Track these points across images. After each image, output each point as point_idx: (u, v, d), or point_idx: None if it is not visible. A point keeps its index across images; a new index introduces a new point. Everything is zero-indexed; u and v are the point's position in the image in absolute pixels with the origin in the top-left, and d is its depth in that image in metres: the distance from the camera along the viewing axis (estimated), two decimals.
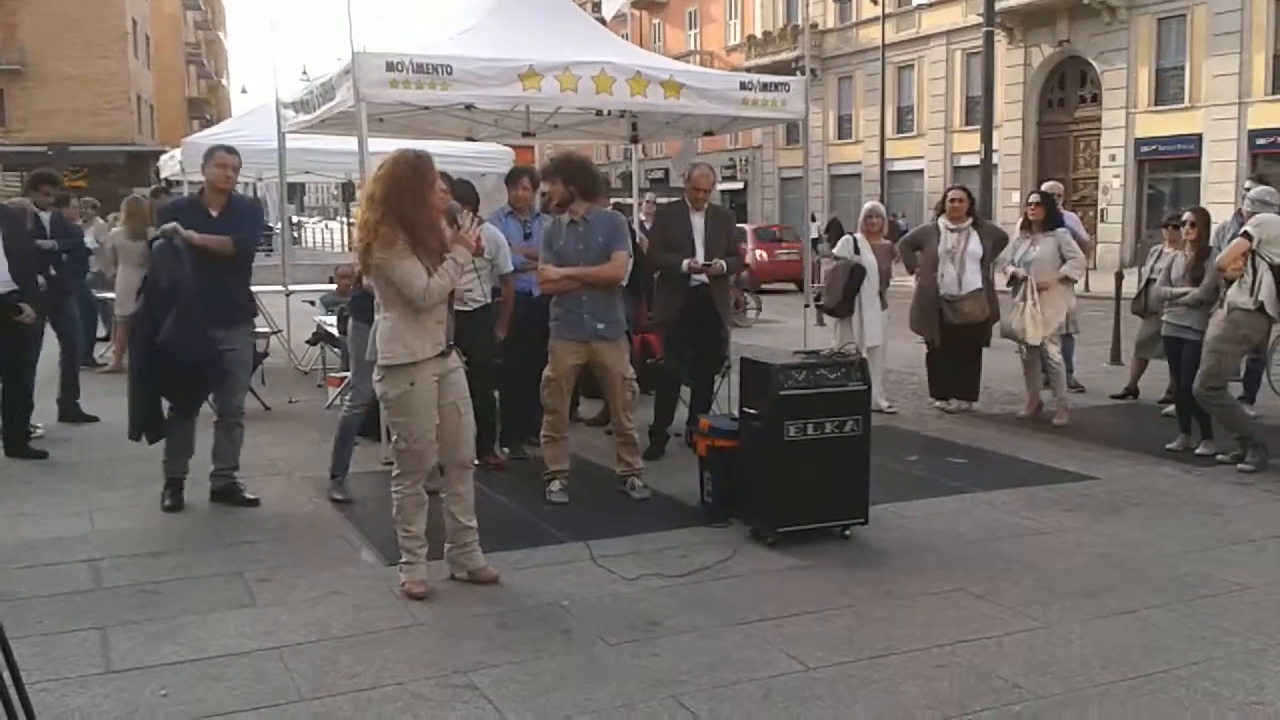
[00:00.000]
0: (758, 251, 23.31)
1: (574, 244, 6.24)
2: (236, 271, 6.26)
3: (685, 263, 7.25)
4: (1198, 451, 7.43)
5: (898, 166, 36.09)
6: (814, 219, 41.93)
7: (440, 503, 4.99)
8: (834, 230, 41.23)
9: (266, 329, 10.32)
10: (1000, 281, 9.02)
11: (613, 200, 8.23)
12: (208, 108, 63.01)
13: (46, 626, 4.45)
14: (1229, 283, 6.95)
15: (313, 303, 11.25)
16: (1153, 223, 21.90)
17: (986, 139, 19.60)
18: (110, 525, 5.94)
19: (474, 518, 4.99)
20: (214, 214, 6.11)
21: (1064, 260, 8.58)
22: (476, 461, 5.10)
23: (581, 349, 6.32)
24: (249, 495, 6.33)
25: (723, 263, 7.32)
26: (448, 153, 11.79)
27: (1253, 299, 6.80)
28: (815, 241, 40.36)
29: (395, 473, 4.88)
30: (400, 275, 4.55)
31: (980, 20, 21.52)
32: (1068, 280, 8.59)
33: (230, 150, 6.32)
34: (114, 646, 4.26)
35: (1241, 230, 6.90)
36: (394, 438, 4.87)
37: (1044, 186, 10.77)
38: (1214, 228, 7.86)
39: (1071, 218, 10.61)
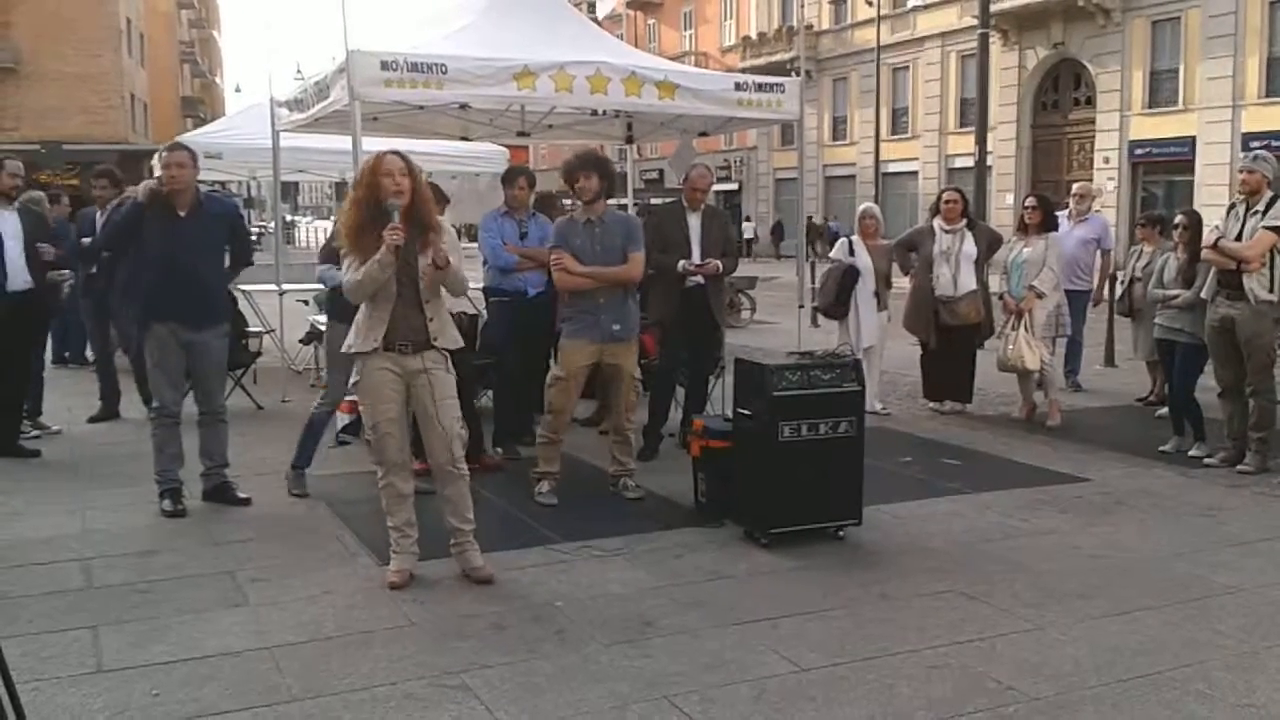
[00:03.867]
0: None
1: (591, 244, 6.22)
2: (211, 269, 6.21)
3: (682, 263, 7.24)
4: (1191, 454, 7.43)
5: (892, 168, 36.16)
6: (748, 219, 42.02)
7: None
8: (777, 233, 41.27)
9: (259, 328, 10.30)
10: (995, 284, 9.02)
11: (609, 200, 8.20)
12: (202, 106, 62.85)
13: (37, 625, 4.43)
14: (1227, 276, 6.89)
15: (306, 302, 11.21)
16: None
17: (981, 141, 19.63)
18: (102, 524, 5.92)
19: (467, 519, 5.02)
20: (181, 214, 6.00)
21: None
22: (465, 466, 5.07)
23: (595, 350, 6.30)
24: (241, 494, 6.32)
25: (719, 263, 7.32)
26: (442, 152, 11.82)
27: (1276, 292, 6.78)
28: (750, 242, 40.47)
29: (374, 461, 5.04)
30: (345, 268, 4.85)
31: (975, 22, 21.55)
32: (1034, 290, 8.55)
33: (174, 147, 6.18)
34: (105, 646, 4.24)
35: (1273, 225, 6.68)
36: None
37: (1075, 187, 10.75)
38: (1205, 230, 7.83)
39: (1100, 220, 10.60)
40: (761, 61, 39.29)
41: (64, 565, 5.23)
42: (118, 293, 8.23)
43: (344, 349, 4.97)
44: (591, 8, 45.91)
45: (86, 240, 8.55)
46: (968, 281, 8.76)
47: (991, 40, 22.06)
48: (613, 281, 6.23)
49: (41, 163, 38.68)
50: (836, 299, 8.86)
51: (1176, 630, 4.43)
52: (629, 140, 10.86)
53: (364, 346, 4.83)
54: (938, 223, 8.96)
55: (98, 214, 8.96)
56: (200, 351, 6.17)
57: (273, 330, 10.45)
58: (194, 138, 14.07)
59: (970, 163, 22.07)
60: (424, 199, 4.85)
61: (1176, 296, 7.47)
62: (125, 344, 8.75)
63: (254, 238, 8.87)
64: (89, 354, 11.64)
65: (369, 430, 4.94)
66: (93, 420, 8.77)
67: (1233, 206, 7.06)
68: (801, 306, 9.15)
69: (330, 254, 6.26)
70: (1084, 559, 5.36)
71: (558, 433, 6.44)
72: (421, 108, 8.41)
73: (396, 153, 4.84)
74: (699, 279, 7.33)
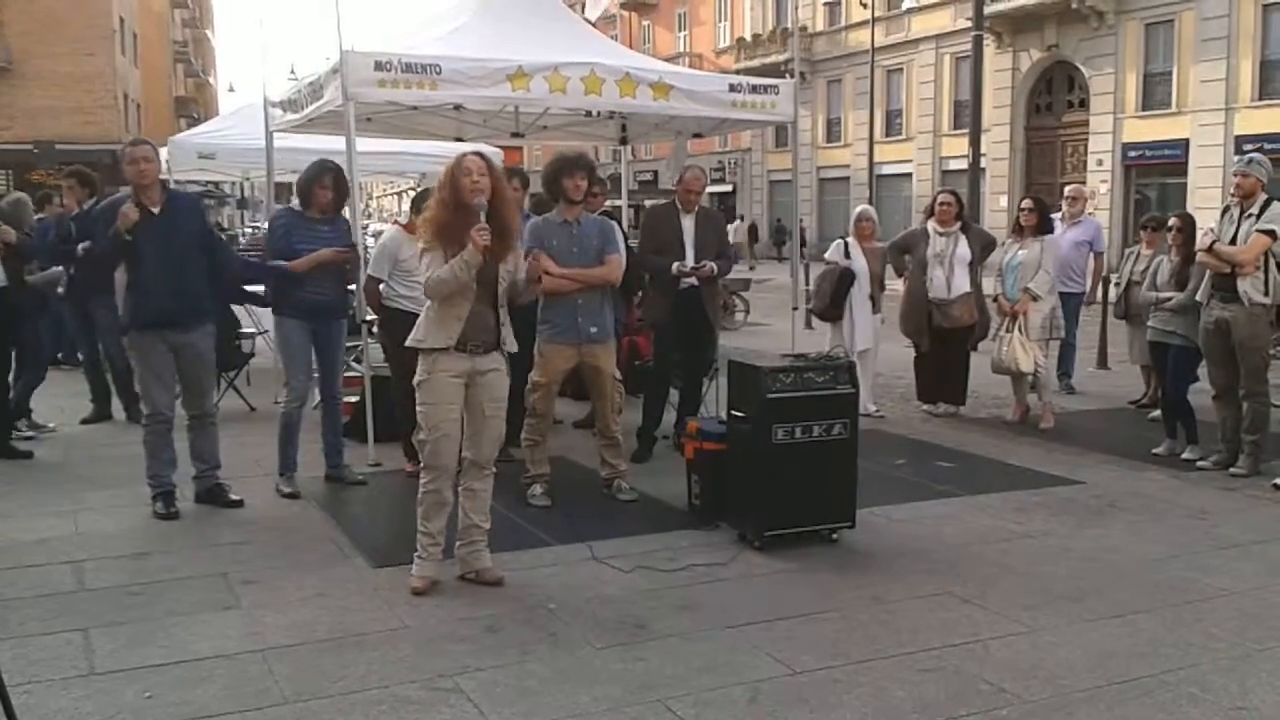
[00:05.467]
0: None
1: (568, 245, 6.23)
2: (193, 265, 6.10)
3: (675, 266, 7.24)
4: (1184, 456, 7.45)
5: (886, 170, 36.17)
6: (730, 223, 41.89)
7: (458, 496, 5.02)
8: (751, 234, 41.27)
9: (252, 329, 10.29)
10: (988, 287, 9.04)
11: (607, 202, 8.19)
12: (195, 106, 62.72)
13: (29, 628, 4.42)
14: (1222, 279, 6.90)
15: None
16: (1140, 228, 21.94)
17: (975, 143, 19.64)
18: (94, 526, 5.90)
19: (487, 518, 5.02)
20: (155, 211, 5.94)
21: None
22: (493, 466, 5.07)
23: (574, 352, 6.31)
24: (233, 496, 6.30)
25: (713, 265, 7.32)
26: (436, 153, 11.80)
27: (1270, 296, 6.79)
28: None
29: (421, 464, 4.96)
30: (423, 265, 4.79)
31: (969, 25, 21.60)
32: (1029, 293, 8.57)
33: (137, 142, 6.13)
34: (97, 648, 4.23)
35: (1267, 228, 6.68)
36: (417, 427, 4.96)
37: (1068, 190, 10.76)
38: (1199, 232, 7.84)
39: (1093, 223, 10.61)
40: (756, 63, 39.34)
41: (56, 567, 5.21)
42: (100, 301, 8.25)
43: (411, 342, 4.87)
44: (585, 9, 45.81)
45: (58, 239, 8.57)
46: (961, 284, 8.77)
47: (985, 42, 22.06)
48: (592, 283, 6.24)
49: (35, 162, 38.61)
50: (832, 301, 8.86)
51: (1169, 633, 4.43)
52: (623, 141, 10.86)
53: (437, 343, 4.77)
54: (932, 225, 8.97)
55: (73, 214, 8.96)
56: (189, 353, 6.14)
57: (266, 331, 10.43)
58: (188, 138, 14.05)
59: (964, 165, 22.13)
60: (506, 201, 4.87)
61: (1170, 299, 7.48)
62: (110, 354, 8.74)
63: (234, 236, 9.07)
64: (80, 355, 11.65)
65: (427, 431, 4.84)
66: (85, 421, 8.74)
67: (1227, 209, 7.07)
68: (795, 309, 9.14)
69: (275, 252, 6.39)
70: (1077, 561, 5.36)
71: (543, 435, 6.45)
72: (415, 108, 8.40)
73: (478, 152, 4.85)
74: (693, 281, 7.32)
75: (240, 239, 41.85)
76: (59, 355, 11.55)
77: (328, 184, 6.55)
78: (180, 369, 6.14)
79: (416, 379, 4.87)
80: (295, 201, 6.80)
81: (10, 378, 7.79)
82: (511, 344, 4.98)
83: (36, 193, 11.95)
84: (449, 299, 4.76)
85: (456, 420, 4.87)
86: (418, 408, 4.88)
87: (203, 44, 76.32)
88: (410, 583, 4.86)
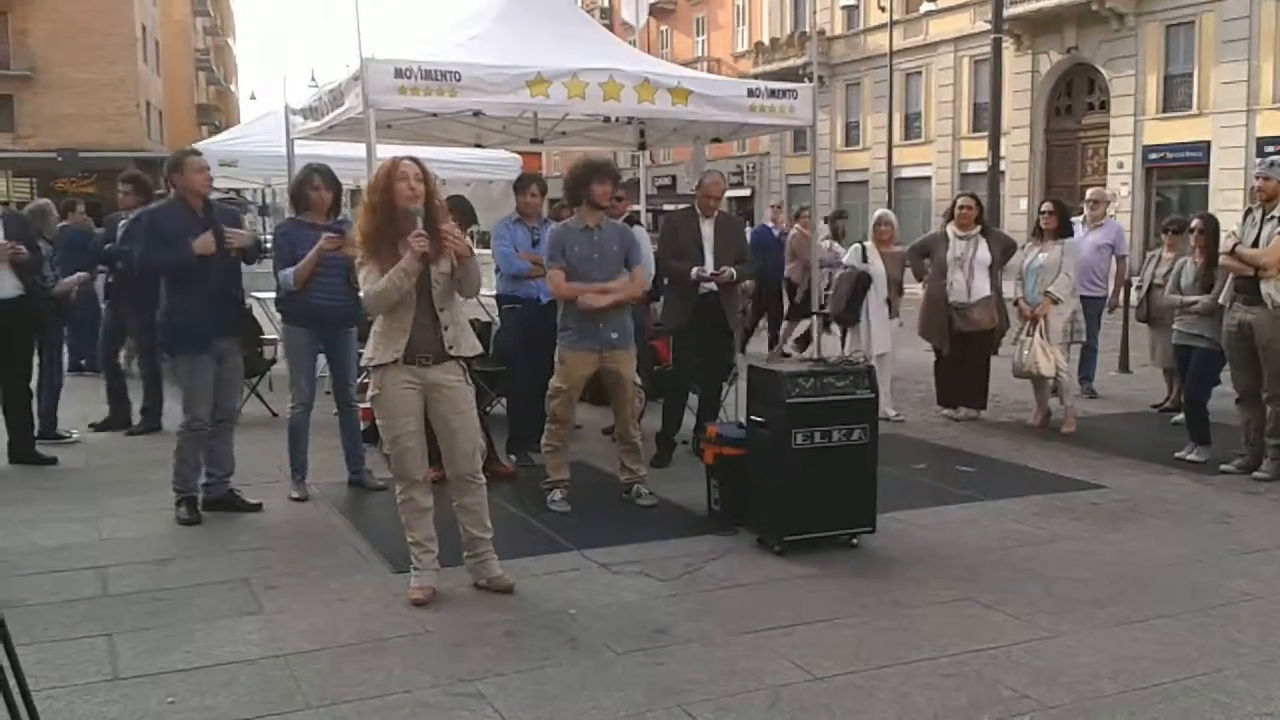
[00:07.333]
0: None
1: (589, 251, 6.23)
2: (235, 273, 6.23)
3: (694, 271, 7.24)
4: (1191, 458, 7.38)
5: (905, 173, 36.09)
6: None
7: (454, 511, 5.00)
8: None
9: (274, 336, 10.33)
10: (1009, 290, 9.00)
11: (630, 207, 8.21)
12: (216, 114, 63.23)
13: (53, 633, 4.45)
14: (1245, 282, 6.85)
15: None
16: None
17: (994, 146, 19.57)
18: (118, 532, 5.94)
19: (487, 529, 4.99)
20: (201, 218, 6.02)
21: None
22: (483, 476, 5.05)
23: (594, 359, 6.30)
24: (249, 500, 6.33)
25: (732, 271, 7.32)
26: (456, 159, 11.85)
27: None
28: None
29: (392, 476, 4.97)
30: (361, 278, 4.74)
31: (988, 27, 21.53)
32: (1050, 296, 8.52)
33: (197, 153, 6.28)
34: (121, 653, 4.26)
35: None
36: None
37: (1090, 193, 10.72)
38: (1222, 235, 7.80)
39: (1114, 225, 10.56)
40: (774, 67, 39.30)
41: (79, 573, 5.25)
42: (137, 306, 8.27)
43: (364, 362, 4.92)
44: (604, 14, 45.90)
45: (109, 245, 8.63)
46: (982, 288, 8.74)
47: (1005, 45, 22.00)
48: (623, 299, 6.26)
49: (58, 170, 38.95)
50: (848, 306, 8.84)
51: (1193, 638, 4.40)
52: (641, 146, 10.87)
53: (385, 358, 4.73)
54: (951, 229, 8.94)
55: (122, 219, 8.99)
56: (229, 358, 6.23)
57: None
58: (209, 145, 14.14)
59: (983, 168, 22.07)
60: (437, 205, 4.81)
61: (1195, 303, 7.43)
62: (143, 354, 8.77)
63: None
64: (128, 358, 11.72)
65: (388, 445, 4.85)
66: (95, 428, 8.73)
67: (1249, 212, 7.03)
68: (813, 314, 9.13)
69: (286, 259, 6.40)
70: (1099, 566, 5.33)
71: (563, 440, 6.45)
72: (435, 115, 8.43)
73: (411, 158, 4.80)
74: (712, 286, 7.32)
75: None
76: (82, 362, 11.64)
77: (319, 184, 6.55)
78: (219, 374, 6.18)
79: (370, 394, 4.87)
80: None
81: (33, 384, 7.85)
82: (465, 348, 4.87)
83: (60, 200, 12.05)
84: (393, 311, 4.71)
85: (415, 431, 4.82)
86: (377, 423, 4.88)
87: (224, 52, 76.85)
88: (410, 594, 4.81)
